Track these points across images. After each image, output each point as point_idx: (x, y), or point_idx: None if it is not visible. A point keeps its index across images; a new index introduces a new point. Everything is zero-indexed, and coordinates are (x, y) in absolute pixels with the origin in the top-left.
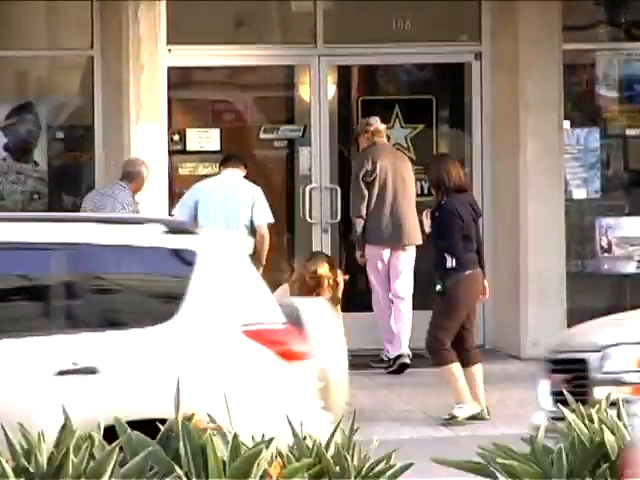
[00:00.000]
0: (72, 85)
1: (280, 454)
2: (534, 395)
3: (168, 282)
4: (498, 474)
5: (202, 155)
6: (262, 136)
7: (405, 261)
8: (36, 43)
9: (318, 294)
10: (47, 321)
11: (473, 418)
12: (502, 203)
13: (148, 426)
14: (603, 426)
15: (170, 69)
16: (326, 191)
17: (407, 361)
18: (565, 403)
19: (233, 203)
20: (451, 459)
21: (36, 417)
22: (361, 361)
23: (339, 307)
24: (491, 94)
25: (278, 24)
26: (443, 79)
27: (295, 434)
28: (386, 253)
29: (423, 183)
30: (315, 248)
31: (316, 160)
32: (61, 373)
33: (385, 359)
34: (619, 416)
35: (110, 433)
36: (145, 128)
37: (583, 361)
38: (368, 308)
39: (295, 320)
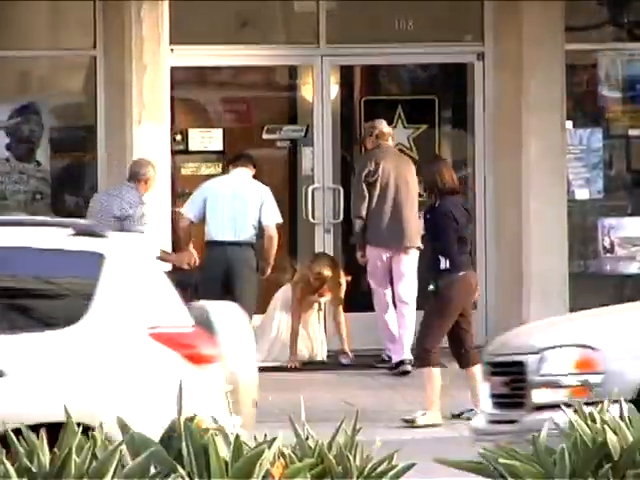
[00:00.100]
0: (75, 85)
1: (282, 454)
2: None
3: (75, 285)
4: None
5: (205, 155)
6: (265, 136)
7: (408, 264)
8: (39, 43)
9: (321, 295)
10: None
11: (432, 425)
12: (504, 203)
13: (57, 429)
14: (605, 426)
15: (173, 69)
16: (329, 191)
17: (408, 368)
18: (505, 405)
19: (241, 202)
20: (453, 459)
21: None
22: (363, 361)
23: (341, 308)
24: (494, 94)
25: (281, 24)
26: (446, 79)
27: (297, 434)
28: (386, 254)
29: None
30: (317, 248)
31: (319, 160)
32: None
33: (386, 359)
34: (621, 416)
35: (16, 435)
36: (148, 128)
37: (521, 364)
38: (369, 308)
39: (205, 323)
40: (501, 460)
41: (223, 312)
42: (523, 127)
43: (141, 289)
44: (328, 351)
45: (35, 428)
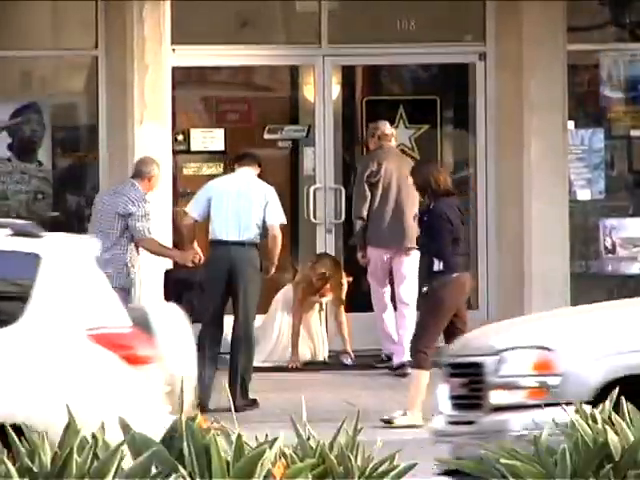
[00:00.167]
0: (76, 85)
1: (284, 454)
2: None
3: (11, 285)
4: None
5: (206, 155)
6: (266, 136)
7: (409, 265)
8: (40, 43)
9: (322, 295)
10: None
11: (412, 426)
12: (506, 203)
13: None
14: (606, 426)
15: (174, 69)
16: (330, 191)
17: (408, 371)
18: (463, 407)
19: (246, 202)
20: (454, 459)
21: None
22: (364, 361)
23: (342, 308)
24: (495, 94)
25: (282, 24)
26: (447, 79)
27: (299, 434)
28: (387, 255)
29: None
30: (319, 249)
31: (320, 160)
32: None
33: (385, 359)
34: (622, 416)
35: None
36: (149, 128)
37: (480, 365)
38: (370, 309)
39: (144, 324)
40: (502, 460)
41: (163, 313)
42: (525, 127)
43: (78, 290)
44: (329, 351)
45: None
